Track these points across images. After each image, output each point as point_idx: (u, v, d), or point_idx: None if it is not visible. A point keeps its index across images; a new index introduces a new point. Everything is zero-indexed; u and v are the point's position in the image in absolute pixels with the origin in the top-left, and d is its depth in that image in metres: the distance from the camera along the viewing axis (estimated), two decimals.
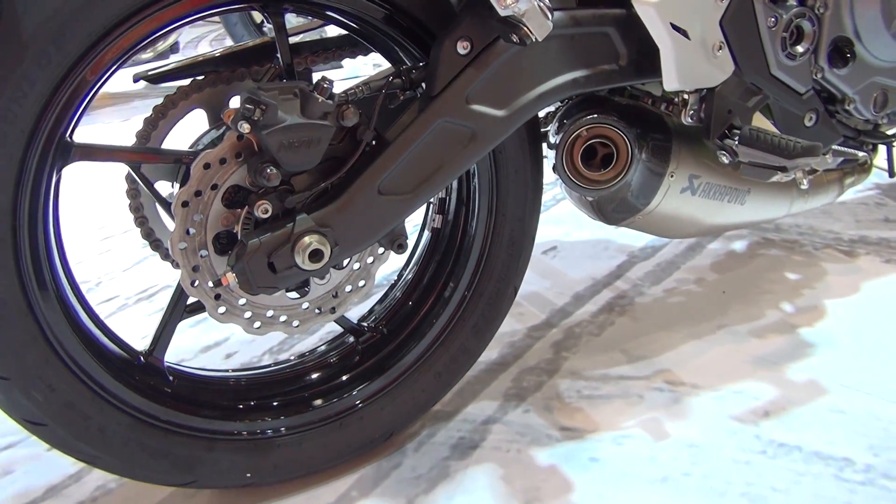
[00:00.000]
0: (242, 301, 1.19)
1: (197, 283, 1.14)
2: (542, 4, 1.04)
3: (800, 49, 1.35)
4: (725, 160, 1.34)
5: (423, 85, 1.16)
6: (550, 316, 1.83)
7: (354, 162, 1.15)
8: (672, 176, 1.42)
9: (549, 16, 1.05)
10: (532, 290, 1.93)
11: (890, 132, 1.59)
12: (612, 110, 1.37)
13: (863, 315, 1.74)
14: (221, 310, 1.18)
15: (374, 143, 1.16)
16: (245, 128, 1.06)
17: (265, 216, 1.12)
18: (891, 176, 1.71)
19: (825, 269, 1.95)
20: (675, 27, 1.23)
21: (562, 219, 2.31)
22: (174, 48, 4.91)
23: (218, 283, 1.15)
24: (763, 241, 2.10)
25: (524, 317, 1.82)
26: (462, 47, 1.13)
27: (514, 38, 1.05)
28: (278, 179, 1.09)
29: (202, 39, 5.99)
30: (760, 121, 1.40)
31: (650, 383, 1.55)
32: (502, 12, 1.03)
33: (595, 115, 1.31)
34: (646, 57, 1.29)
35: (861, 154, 1.50)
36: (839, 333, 1.67)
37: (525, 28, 1.04)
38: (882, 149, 1.68)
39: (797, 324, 1.72)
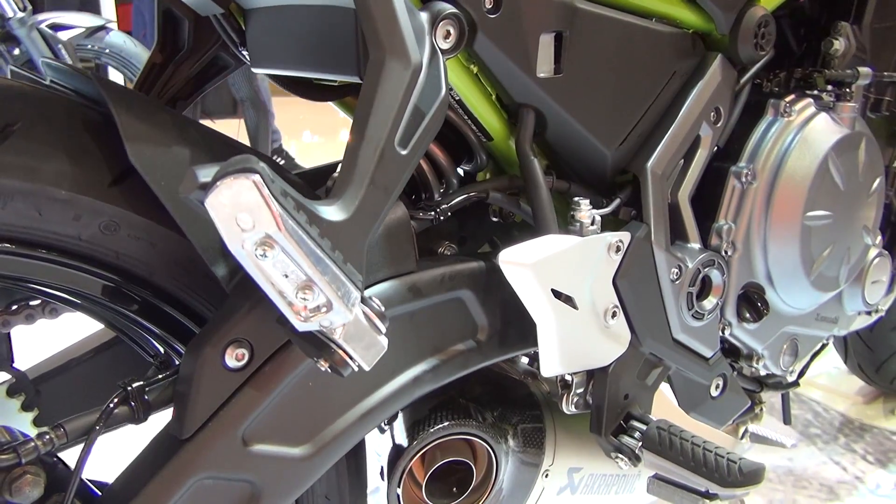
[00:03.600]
0: None
1: None
2: (369, 311, 0.62)
3: (708, 305, 1.01)
4: (623, 466, 0.95)
5: (172, 420, 0.68)
6: None
7: None
8: (547, 475, 1.01)
9: (382, 327, 0.62)
10: None
11: (789, 379, 1.29)
12: (462, 396, 0.95)
13: None
14: None
15: None
16: None
17: None
18: (786, 423, 1.41)
19: None
20: (557, 294, 0.85)
21: None
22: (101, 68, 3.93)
23: None
24: None
25: None
26: (235, 358, 0.67)
27: (323, 365, 0.61)
28: None
29: None
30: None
31: None
32: (301, 327, 0.59)
33: (446, 423, 0.88)
34: (513, 324, 0.90)
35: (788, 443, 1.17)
36: None
37: (341, 353, 0.60)
38: None
39: None
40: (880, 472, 1.76)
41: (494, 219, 1.04)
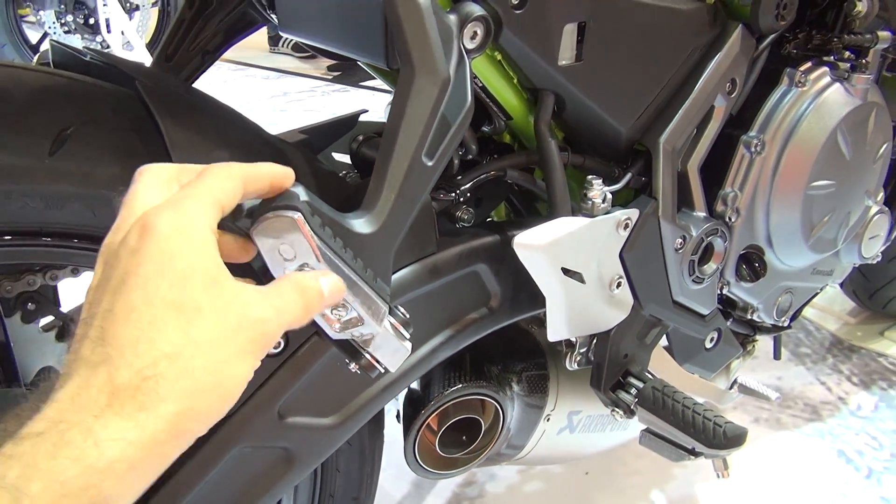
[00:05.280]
0: None
1: None
2: (395, 321, 0.68)
3: (708, 271, 1.07)
4: (618, 418, 1.04)
5: None
6: None
7: None
8: (549, 419, 1.11)
9: (407, 334, 0.69)
10: None
11: (783, 323, 1.36)
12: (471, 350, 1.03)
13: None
14: None
15: None
16: None
17: None
18: (776, 358, 1.50)
19: None
20: (566, 272, 0.91)
21: None
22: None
23: None
24: None
25: None
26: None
27: (353, 367, 0.68)
28: None
29: None
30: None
31: None
32: (334, 336, 0.66)
33: (459, 385, 0.96)
34: (524, 289, 0.96)
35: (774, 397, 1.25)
36: None
37: (369, 358, 0.67)
38: None
39: None
40: (863, 393, 1.87)
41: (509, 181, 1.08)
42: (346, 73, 4.68)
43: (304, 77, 4.87)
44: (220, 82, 4.66)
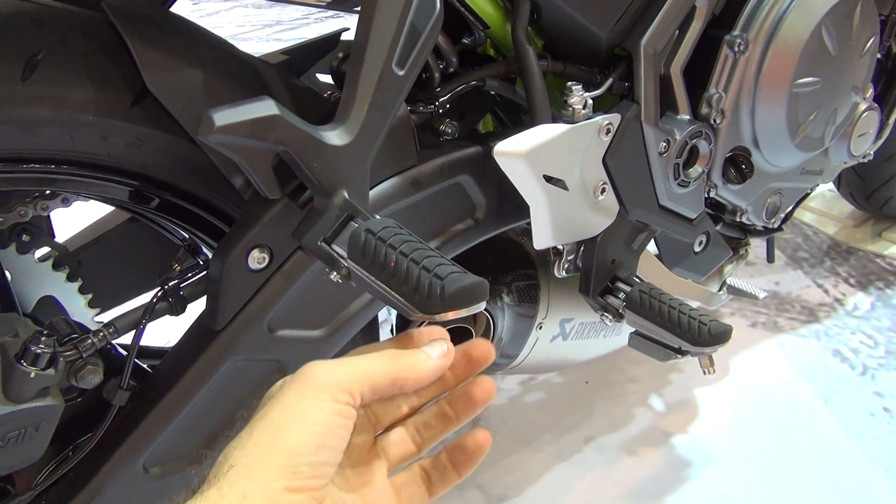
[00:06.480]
0: None
1: None
2: None
3: (694, 174, 1.08)
4: (608, 322, 1.06)
5: (205, 314, 0.78)
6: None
7: (105, 431, 0.77)
8: (541, 327, 1.13)
9: None
10: None
11: (773, 225, 1.37)
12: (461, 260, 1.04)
13: (738, 407, 1.55)
14: None
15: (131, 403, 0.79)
16: None
17: None
18: (770, 261, 1.51)
19: None
20: (549, 179, 0.91)
21: None
22: None
23: None
24: None
25: None
26: (257, 261, 0.76)
27: (334, 276, 0.70)
28: None
29: None
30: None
31: None
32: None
33: None
34: (509, 199, 0.97)
35: (762, 295, 1.26)
36: (716, 441, 1.48)
37: (347, 266, 0.69)
38: None
39: (670, 430, 1.51)
40: (860, 294, 1.89)
41: (493, 92, 1.08)
42: None
43: (297, 4, 4.78)
44: (210, 13, 4.59)
